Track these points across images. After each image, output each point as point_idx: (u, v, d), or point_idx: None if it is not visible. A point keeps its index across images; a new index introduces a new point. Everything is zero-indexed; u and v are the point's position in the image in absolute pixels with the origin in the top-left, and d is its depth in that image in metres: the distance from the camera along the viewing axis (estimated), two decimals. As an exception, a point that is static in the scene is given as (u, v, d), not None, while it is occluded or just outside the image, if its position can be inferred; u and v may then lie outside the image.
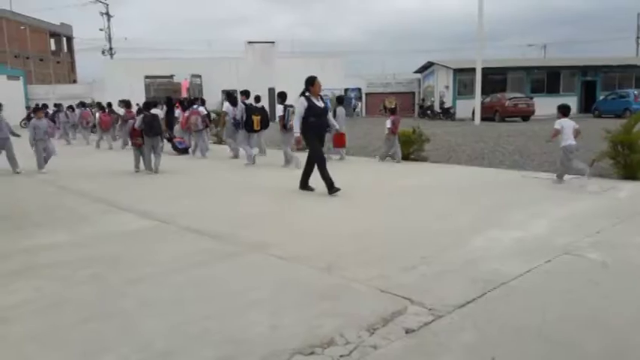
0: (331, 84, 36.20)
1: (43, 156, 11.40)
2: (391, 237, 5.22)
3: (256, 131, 12.01)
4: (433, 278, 3.92)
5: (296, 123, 7.63)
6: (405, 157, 11.27)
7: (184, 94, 33.32)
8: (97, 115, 18.79)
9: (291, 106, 10.69)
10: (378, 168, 10.77)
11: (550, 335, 2.98)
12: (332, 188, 7.39)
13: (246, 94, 12.26)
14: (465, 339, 2.94)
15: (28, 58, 52.64)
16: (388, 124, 11.24)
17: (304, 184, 7.89)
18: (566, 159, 8.01)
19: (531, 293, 3.63)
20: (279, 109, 11.31)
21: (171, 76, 34.78)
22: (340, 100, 13.10)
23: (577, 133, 8.07)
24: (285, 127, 10.97)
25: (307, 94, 7.64)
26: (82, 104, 22.12)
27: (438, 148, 13.27)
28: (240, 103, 12.30)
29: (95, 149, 17.69)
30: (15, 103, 32.66)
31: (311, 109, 7.56)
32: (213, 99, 33.34)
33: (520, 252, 4.53)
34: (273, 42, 36.72)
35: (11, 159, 11.14)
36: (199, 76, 35.09)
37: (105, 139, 18.11)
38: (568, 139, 8.01)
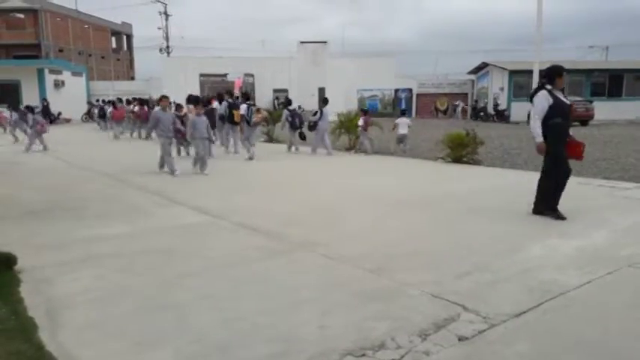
0: (382, 84, 36.08)
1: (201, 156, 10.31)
2: (443, 242, 5.13)
3: (237, 123, 13.52)
4: (487, 285, 3.83)
5: (535, 125, 5.91)
6: (458, 160, 11.06)
7: (237, 93, 33.93)
8: (109, 109, 21.95)
9: (254, 104, 13.47)
10: (424, 170, 10.62)
11: (611, 350, 2.86)
12: (555, 211, 5.99)
13: (229, 93, 15.68)
14: (521, 349, 2.86)
15: (90, 55, 55.00)
16: (360, 122, 13.71)
17: (553, 208, 6.02)
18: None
19: (591, 306, 3.49)
20: (243, 108, 12.84)
21: (225, 75, 35.48)
22: (326, 101, 14.33)
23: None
24: (248, 122, 12.65)
25: (549, 87, 5.97)
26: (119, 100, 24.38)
27: (492, 152, 12.96)
28: (224, 102, 14.35)
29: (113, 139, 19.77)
30: (78, 98, 34.17)
31: (557, 107, 5.86)
32: (265, 97, 33.87)
33: (580, 262, 4.36)
34: (325, 42, 36.72)
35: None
36: (252, 75, 35.64)
37: (113, 130, 20.73)
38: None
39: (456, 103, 37.09)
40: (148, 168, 10.70)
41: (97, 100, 30.25)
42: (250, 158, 12.22)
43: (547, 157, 6.07)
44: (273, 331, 3.10)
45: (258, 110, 13.11)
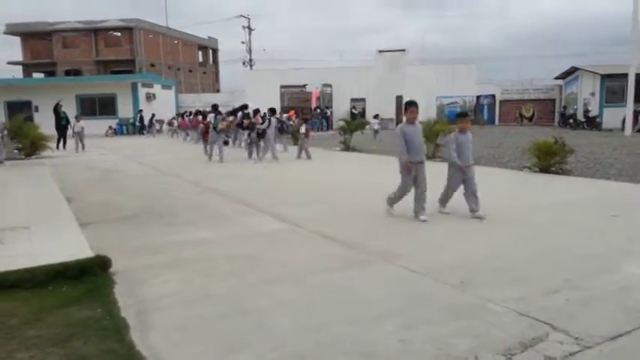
0: (462, 91, 35.12)
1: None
2: (529, 256, 4.88)
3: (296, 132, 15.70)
4: (579, 304, 3.60)
5: None
6: (546, 170, 10.51)
7: (314, 103, 34.43)
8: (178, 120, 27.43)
9: (220, 113, 15.10)
10: (509, 180, 10.17)
11: None
12: None
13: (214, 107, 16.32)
14: (619, 376, 2.65)
15: (179, 69, 58.06)
16: (302, 129, 14.85)
17: None
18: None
19: (701, 332, 3.17)
20: (211, 117, 14.96)
21: (304, 86, 36.07)
22: (273, 111, 15.33)
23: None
24: (215, 129, 14.60)
25: None
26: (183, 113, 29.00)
27: (582, 161, 12.21)
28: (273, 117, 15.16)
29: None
30: (168, 109, 36.08)
31: None
32: (342, 107, 34.12)
33: (686, 283, 3.99)
34: (404, 50, 36.32)
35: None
36: (330, 86, 35.98)
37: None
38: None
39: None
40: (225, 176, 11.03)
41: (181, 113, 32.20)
42: (220, 160, 14.29)
43: None
44: (353, 343, 3.08)
45: (223, 119, 15.20)
